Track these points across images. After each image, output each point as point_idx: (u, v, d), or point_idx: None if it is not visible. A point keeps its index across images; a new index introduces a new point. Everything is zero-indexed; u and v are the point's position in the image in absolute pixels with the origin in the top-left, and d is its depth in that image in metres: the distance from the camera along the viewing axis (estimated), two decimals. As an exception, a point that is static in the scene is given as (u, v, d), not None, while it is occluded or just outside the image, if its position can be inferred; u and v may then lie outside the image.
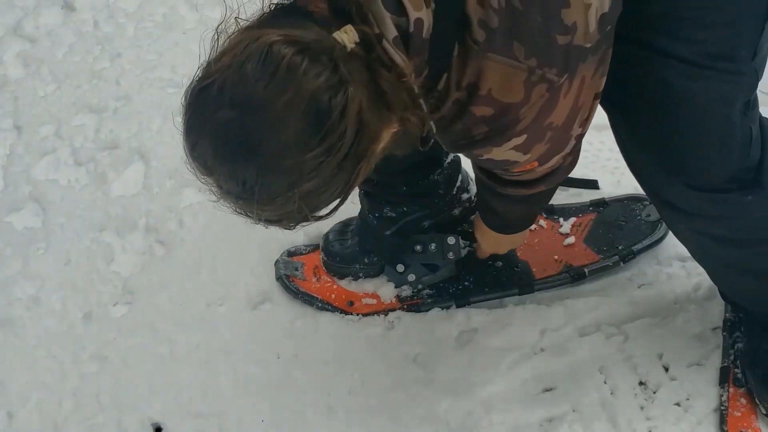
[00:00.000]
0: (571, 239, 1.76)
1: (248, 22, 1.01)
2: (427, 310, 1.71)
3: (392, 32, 1.00)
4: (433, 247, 1.69)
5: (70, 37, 2.35)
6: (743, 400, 1.53)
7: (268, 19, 1.01)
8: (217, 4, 2.47)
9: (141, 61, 2.28)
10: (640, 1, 1.14)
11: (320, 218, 1.06)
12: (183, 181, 1.98)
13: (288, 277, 1.77)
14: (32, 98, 2.21)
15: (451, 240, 1.69)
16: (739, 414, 1.51)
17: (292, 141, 0.95)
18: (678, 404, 1.55)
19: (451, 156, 1.65)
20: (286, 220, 1.04)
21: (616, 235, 1.74)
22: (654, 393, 1.57)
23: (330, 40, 0.96)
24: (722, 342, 1.59)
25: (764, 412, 1.50)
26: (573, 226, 1.78)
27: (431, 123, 1.12)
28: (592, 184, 1.82)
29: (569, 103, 1.13)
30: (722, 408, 1.52)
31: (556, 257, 1.74)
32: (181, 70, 2.26)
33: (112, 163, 2.04)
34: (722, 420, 1.50)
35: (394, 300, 1.73)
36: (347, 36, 0.96)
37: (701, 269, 1.55)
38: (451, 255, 1.69)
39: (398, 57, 1.00)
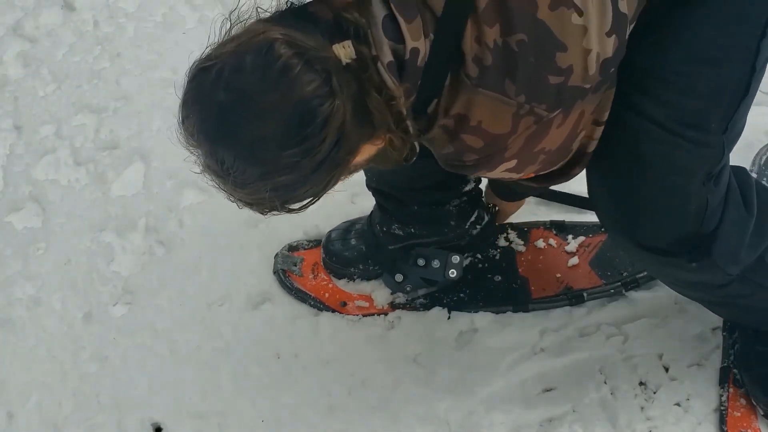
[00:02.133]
0: (575, 260, 1.73)
1: (262, 15, 1.06)
2: None
3: (388, 57, 1.04)
4: (436, 264, 1.68)
5: (70, 37, 2.35)
6: (743, 401, 1.53)
7: (278, 16, 1.05)
8: (218, 4, 2.47)
9: (141, 61, 2.28)
10: (630, 62, 1.17)
11: (291, 211, 1.11)
12: (183, 181, 1.98)
13: (285, 272, 1.77)
14: (32, 98, 2.21)
15: (455, 259, 1.68)
16: (739, 414, 1.51)
17: (272, 136, 1.00)
18: (678, 404, 1.55)
19: (471, 185, 1.64)
20: (259, 205, 1.08)
21: (622, 260, 1.70)
22: (654, 393, 1.57)
23: (328, 50, 1.00)
24: (722, 342, 1.59)
25: (762, 413, 1.51)
26: (581, 246, 1.74)
27: (416, 143, 1.16)
28: (588, 204, 1.80)
29: (565, 132, 1.16)
30: (722, 408, 1.52)
31: (558, 275, 1.72)
32: (181, 70, 2.23)
33: (112, 163, 2.04)
34: (722, 420, 1.51)
35: (387, 306, 1.73)
36: (344, 51, 1.01)
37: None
38: (452, 273, 1.68)
39: (390, 81, 1.05)
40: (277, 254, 1.80)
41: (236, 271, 1.81)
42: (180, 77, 2.36)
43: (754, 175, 1.76)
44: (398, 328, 1.70)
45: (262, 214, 1.10)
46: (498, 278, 1.73)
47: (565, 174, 1.30)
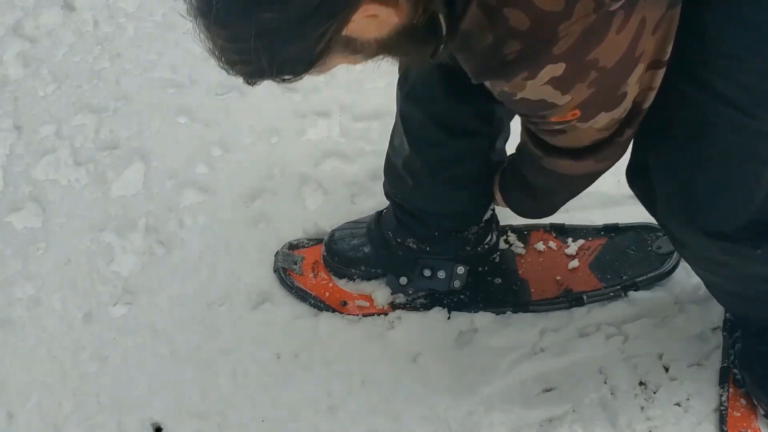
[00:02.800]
0: (575, 262, 1.73)
1: None
2: None
3: None
4: (441, 275, 1.68)
5: (70, 37, 2.35)
6: (743, 401, 1.53)
7: None
8: (217, 4, 2.47)
9: (141, 61, 2.28)
10: (706, 38, 1.08)
11: (283, 80, 0.99)
12: (183, 181, 1.98)
13: (285, 270, 1.76)
14: (32, 98, 2.21)
15: (460, 270, 1.68)
16: (739, 414, 1.51)
17: None
18: (678, 404, 1.55)
19: (489, 212, 1.65)
20: (246, 64, 0.96)
21: (622, 263, 1.70)
22: (654, 393, 1.57)
23: None
24: (722, 342, 1.59)
25: (763, 413, 1.51)
26: (580, 249, 1.74)
27: (442, 41, 1.01)
28: None
29: (623, 44, 1.02)
30: (722, 408, 1.52)
31: (558, 278, 1.72)
32: (181, 70, 2.26)
33: (112, 163, 2.04)
34: (722, 420, 1.51)
35: (387, 306, 1.73)
36: None
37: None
38: (457, 283, 1.69)
39: None
40: (277, 252, 1.80)
41: (236, 271, 1.81)
42: (180, 77, 2.39)
43: None
44: (398, 328, 1.70)
45: (249, 83, 1.00)
46: (498, 281, 1.73)
47: (613, 143, 1.19)
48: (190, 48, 2.32)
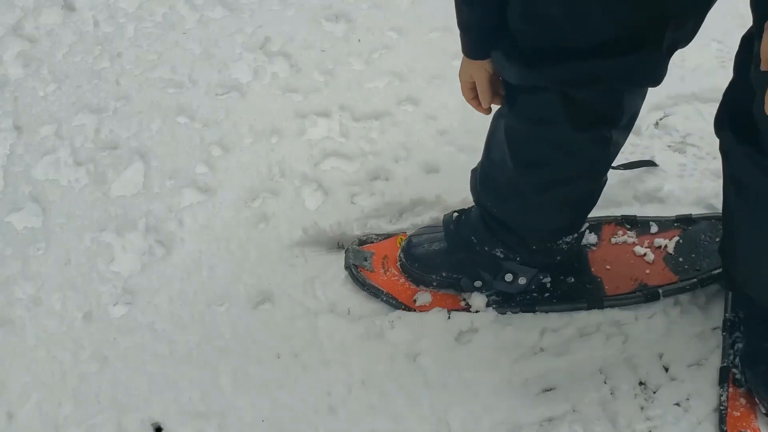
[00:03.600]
0: (649, 256, 1.70)
1: None
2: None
3: None
4: (522, 281, 1.67)
5: (70, 37, 2.36)
6: (742, 400, 1.53)
7: None
8: (218, 4, 2.47)
9: (141, 61, 2.29)
10: None
11: None
12: (183, 181, 1.98)
13: (356, 267, 1.75)
14: (32, 98, 2.22)
15: (542, 277, 1.68)
16: (738, 414, 1.52)
17: None
18: (678, 404, 1.55)
19: (586, 225, 1.64)
20: None
21: (697, 256, 1.66)
22: (654, 393, 1.57)
23: None
24: (722, 342, 1.59)
25: (764, 411, 1.51)
26: (654, 241, 1.71)
27: None
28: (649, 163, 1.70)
29: None
30: (722, 408, 1.52)
31: (632, 272, 1.68)
32: (181, 70, 2.26)
33: (112, 163, 2.04)
34: (722, 420, 1.51)
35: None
36: None
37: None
38: (533, 286, 1.68)
39: None
40: (347, 249, 1.78)
41: (236, 271, 1.81)
42: (180, 77, 2.39)
43: None
44: (398, 327, 1.70)
45: None
46: (571, 280, 1.70)
47: None
48: (190, 48, 2.33)
